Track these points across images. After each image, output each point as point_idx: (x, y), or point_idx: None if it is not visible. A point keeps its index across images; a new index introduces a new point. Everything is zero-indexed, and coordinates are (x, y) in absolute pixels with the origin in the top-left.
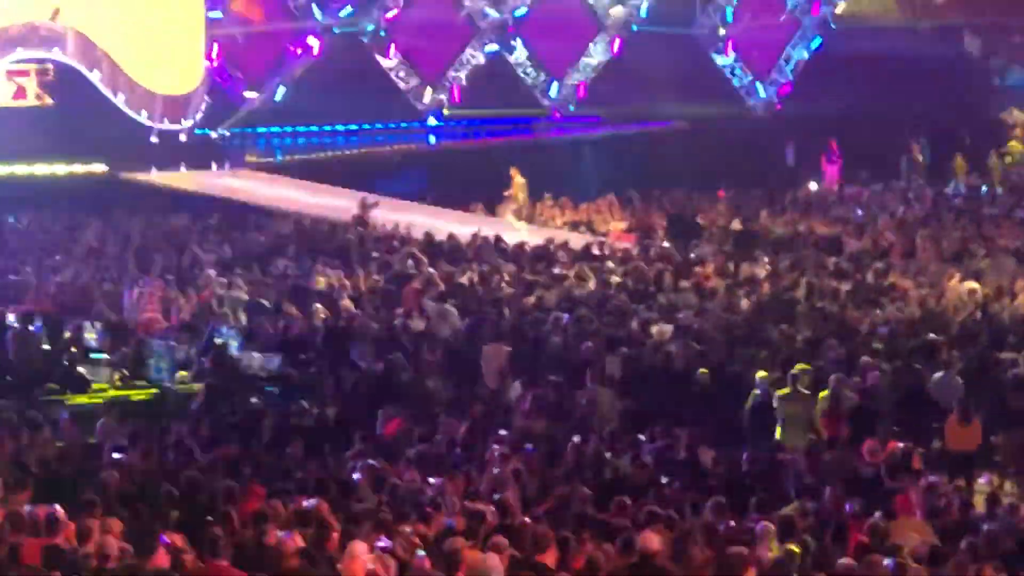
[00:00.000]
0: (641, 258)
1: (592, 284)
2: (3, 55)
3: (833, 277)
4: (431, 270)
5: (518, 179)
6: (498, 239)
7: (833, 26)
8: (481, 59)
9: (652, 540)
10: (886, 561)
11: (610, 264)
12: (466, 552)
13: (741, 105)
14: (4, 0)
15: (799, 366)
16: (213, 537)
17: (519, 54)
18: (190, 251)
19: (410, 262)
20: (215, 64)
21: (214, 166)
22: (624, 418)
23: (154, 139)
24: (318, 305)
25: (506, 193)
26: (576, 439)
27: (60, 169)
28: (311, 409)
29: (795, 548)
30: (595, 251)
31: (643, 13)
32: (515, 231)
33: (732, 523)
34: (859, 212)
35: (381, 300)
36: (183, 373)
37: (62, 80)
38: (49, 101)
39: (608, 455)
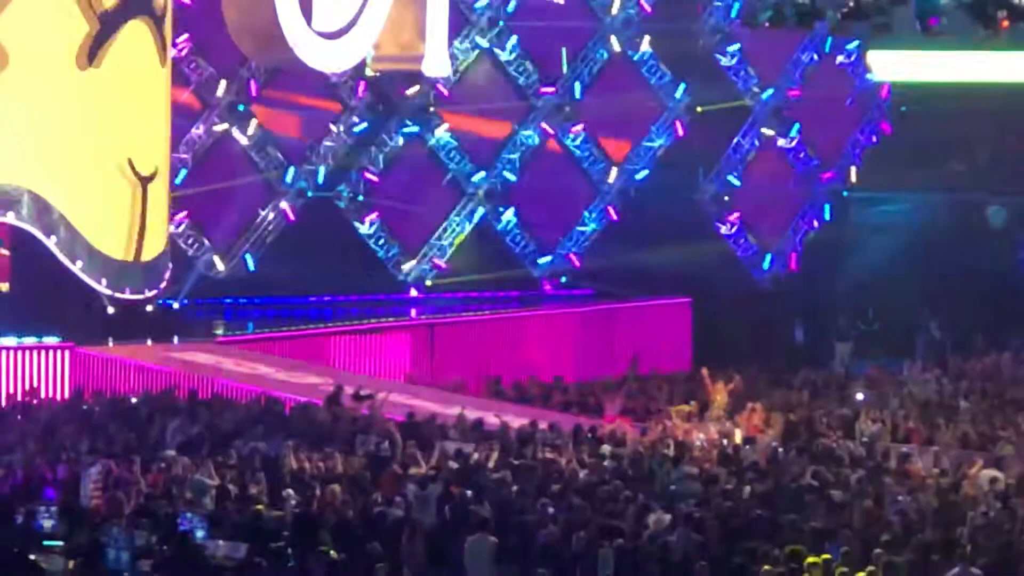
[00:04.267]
0: (638, 442)
1: (585, 469)
2: None
3: (846, 464)
4: (414, 451)
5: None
6: (480, 421)
7: (845, 194)
8: (467, 227)
9: None
10: None
11: (605, 448)
12: None
13: (746, 276)
14: None
15: (808, 560)
16: None
17: (508, 220)
18: (154, 429)
19: (387, 443)
20: (181, 229)
21: (176, 339)
22: None
23: (111, 309)
24: (289, 490)
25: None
26: None
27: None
28: None
29: None
30: (587, 434)
31: (641, 176)
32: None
33: None
34: (860, 397)
35: (357, 484)
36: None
37: (15, 249)
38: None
39: None
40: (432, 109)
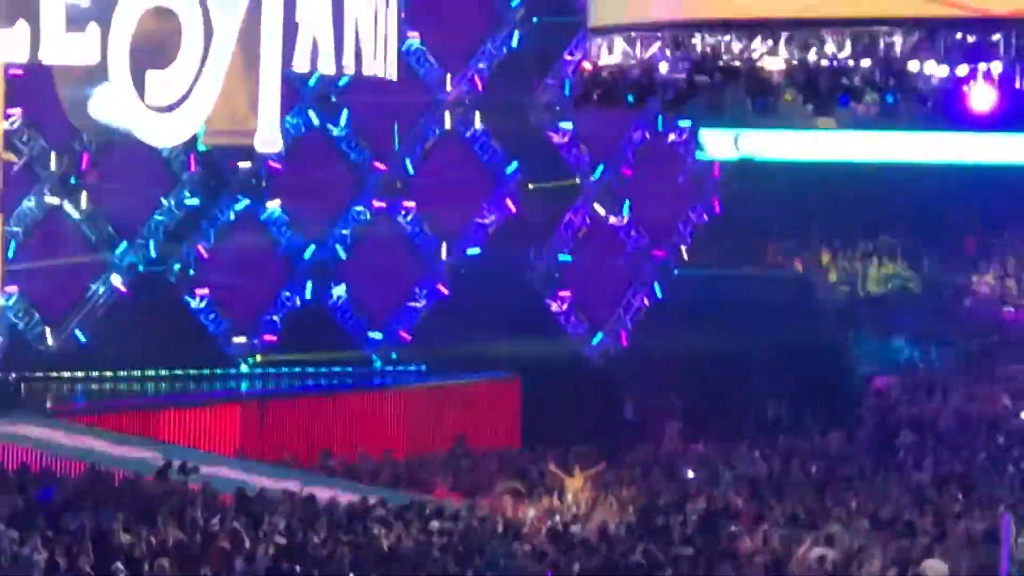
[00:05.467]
0: (468, 518)
1: (413, 545)
2: None
3: (676, 541)
4: (236, 526)
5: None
6: (310, 496)
7: (676, 272)
8: (298, 302)
9: None
10: None
11: (434, 524)
12: None
13: (576, 354)
14: None
15: None
16: None
17: (338, 295)
18: None
19: (216, 518)
20: (11, 303)
21: (5, 413)
22: None
23: None
24: (118, 563)
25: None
26: None
27: None
28: None
29: None
30: (417, 510)
31: (472, 253)
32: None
33: None
34: (691, 475)
35: (186, 558)
36: None
37: None
38: None
39: None
40: (263, 184)
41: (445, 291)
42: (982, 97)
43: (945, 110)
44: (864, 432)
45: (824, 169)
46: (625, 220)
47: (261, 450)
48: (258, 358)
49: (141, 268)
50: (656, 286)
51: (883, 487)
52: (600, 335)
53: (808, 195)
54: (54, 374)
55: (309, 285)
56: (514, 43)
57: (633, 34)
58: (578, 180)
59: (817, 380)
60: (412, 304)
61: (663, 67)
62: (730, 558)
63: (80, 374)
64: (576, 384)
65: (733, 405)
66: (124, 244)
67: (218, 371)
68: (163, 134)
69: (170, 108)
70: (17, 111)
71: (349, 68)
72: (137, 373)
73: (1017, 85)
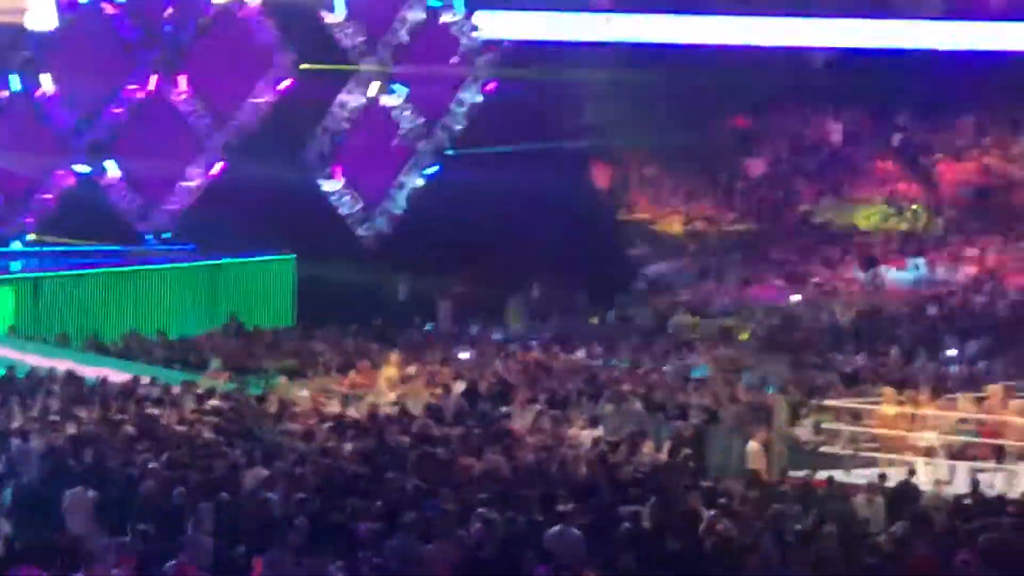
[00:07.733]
0: (240, 397)
1: (184, 425)
2: None
3: (449, 421)
4: (14, 405)
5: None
6: (81, 376)
7: (450, 152)
8: (72, 180)
9: None
10: None
11: (208, 404)
12: None
13: (350, 234)
14: None
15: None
16: None
17: (112, 174)
18: None
19: None
20: None
21: None
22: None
23: None
24: None
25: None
26: None
27: None
28: None
29: None
30: (188, 390)
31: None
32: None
33: None
34: (465, 356)
35: None
36: None
37: None
38: None
39: None
40: (35, 61)
41: (219, 169)
42: None
43: None
44: (637, 315)
45: (601, 52)
46: (400, 100)
47: (35, 329)
48: (31, 236)
49: None
50: (431, 167)
51: (656, 370)
52: (374, 215)
53: (586, 77)
54: None
55: (84, 165)
56: None
57: None
58: (353, 64)
59: (589, 260)
60: (185, 184)
61: None
62: (501, 438)
63: None
64: (349, 264)
65: (504, 286)
66: None
67: None
68: None
69: None
70: None
71: None
72: None
73: None
